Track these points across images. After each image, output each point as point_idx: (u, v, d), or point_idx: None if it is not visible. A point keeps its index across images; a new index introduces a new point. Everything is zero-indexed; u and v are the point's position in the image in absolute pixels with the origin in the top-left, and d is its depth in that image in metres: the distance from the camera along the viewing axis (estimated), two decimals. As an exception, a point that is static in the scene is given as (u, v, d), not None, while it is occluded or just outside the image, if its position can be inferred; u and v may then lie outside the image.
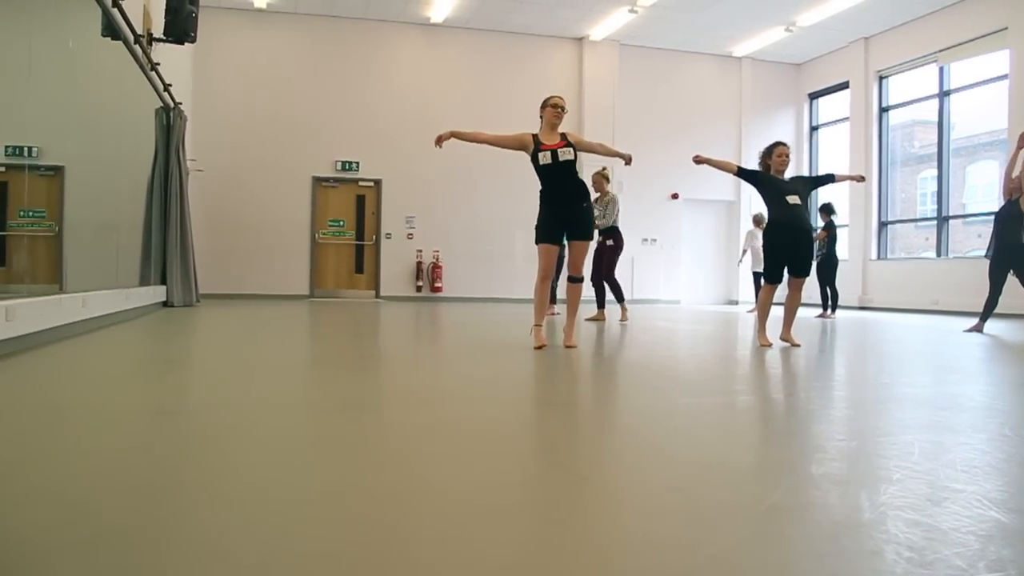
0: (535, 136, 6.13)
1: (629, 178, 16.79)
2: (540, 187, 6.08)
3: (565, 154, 5.96)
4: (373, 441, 2.64)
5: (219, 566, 1.42)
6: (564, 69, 17.09)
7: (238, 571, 1.41)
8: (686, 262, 18.04)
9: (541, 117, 6.24)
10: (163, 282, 10.90)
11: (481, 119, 16.36)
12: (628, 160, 6.45)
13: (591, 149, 6.35)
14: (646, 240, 17.34)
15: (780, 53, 17.75)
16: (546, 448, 2.65)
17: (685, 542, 1.63)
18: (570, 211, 5.99)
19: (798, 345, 6.46)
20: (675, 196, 17.80)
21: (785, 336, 6.61)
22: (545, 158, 5.98)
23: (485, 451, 2.51)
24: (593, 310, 10.18)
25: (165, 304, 10.88)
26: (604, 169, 10.54)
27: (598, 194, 9.99)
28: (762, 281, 6.87)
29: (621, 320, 9.95)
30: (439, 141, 6.27)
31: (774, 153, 6.71)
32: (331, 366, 4.90)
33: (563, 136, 6.09)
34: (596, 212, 9.52)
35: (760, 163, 6.87)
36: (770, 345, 6.42)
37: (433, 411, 3.24)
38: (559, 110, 6.13)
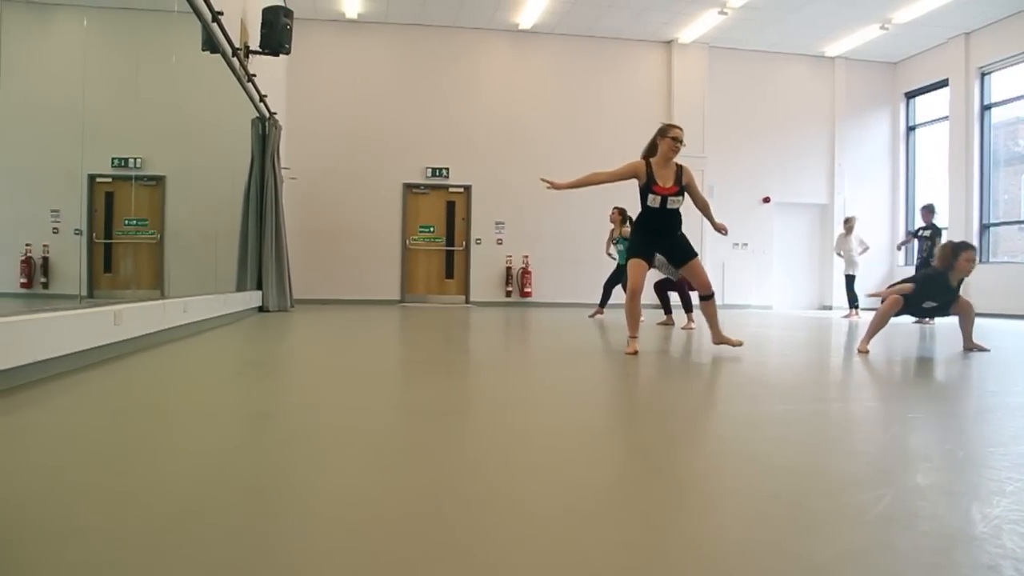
0: (648, 167, 6.05)
1: (720, 182, 16.60)
2: (640, 210, 6.12)
3: (674, 203, 5.99)
4: (467, 445, 2.65)
5: (324, 565, 1.45)
6: (653, 73, 16.95)
7: (342, 571, 1.43)
8: (778, 267, 17.67)
9: (656, 143, 6.10)
10: (259, 288, 11.17)
11: (570, 125, 16.41)
12: (724, 231, 6.49)
13: (695, 200, 6.24)
14: (736, 245, 17.05)
15: (875, 52, 17.25)
16: (641, 453, 2.61)
17: (792, 551, 1.58)
18: (666, 240, 6.11)
19: (865, 352, 6.27)
20: (767, 200, 17.47)
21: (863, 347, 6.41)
22: (654, 201, 5.99)
23: (580, 456, 2.49)
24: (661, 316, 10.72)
25: (261, 309, 11.15)
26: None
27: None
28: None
29: (659, 323, 10.32)
30: (554, 187, 6.59)
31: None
32: (423, 370, 4.94)
33: (678, 173, 6.02)
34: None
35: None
36: (867, 352, 6.24)
37: (525, 416, 3.23)
38: (678, 144, 6.00)
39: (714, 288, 6.27)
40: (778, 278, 17.67)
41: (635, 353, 5.81)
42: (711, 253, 16.02)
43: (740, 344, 6.17)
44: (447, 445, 2.62)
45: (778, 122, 17.45)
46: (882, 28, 15.63)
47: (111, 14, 6.31)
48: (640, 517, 1.84)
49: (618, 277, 11.46)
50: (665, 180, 6.00)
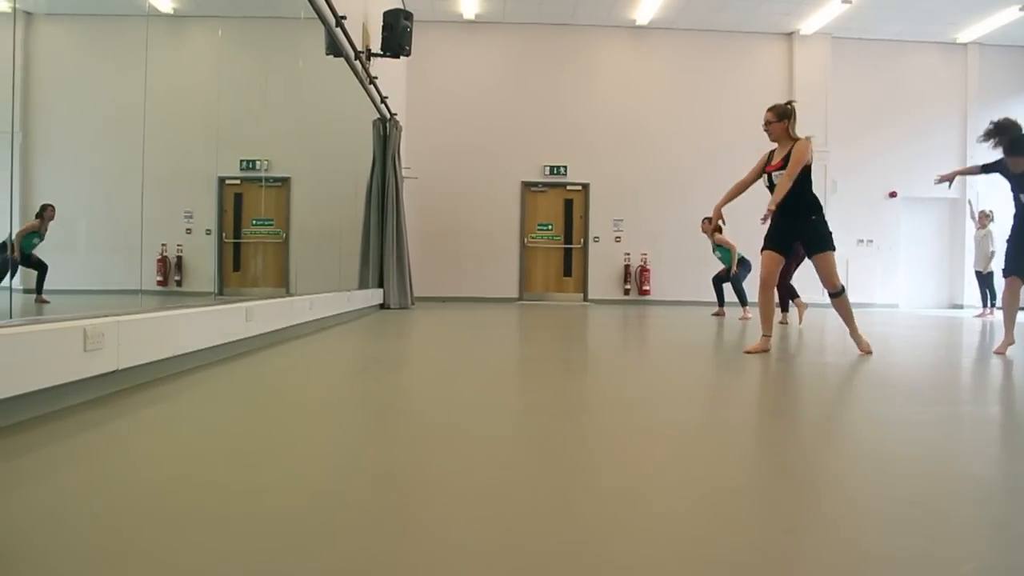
0: (771, 152, 6.07)
1: (844, 177, 16.11)
2: None
3: (779, 177, 5.84)
4: (592, 442, 2.64)
5: (457, 559, 1.48)
6: (773, 66, 16.53)
7: (476, 564, 1.45)
8: (905, 264, 16.98)
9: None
10: (380, 285, 11.42)
11: (688, 121, 16.19)
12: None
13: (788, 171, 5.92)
14: (861, 241, 16.48)
15: (1013, 35, 16.35)
16: (771, 453, 2.54)
17: (938, 560, 1.51)
18: (796, 222, 5.83)
19: (1002, 353, 5.95)
20: (893, 195, 16.83)
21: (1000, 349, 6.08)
22: (764, 180, 5.99)
23: (708, 455, 2.44)
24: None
25: (382, 307, 11.39)
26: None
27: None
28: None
29: (740, 318, 10.61)
30: (713, 222, 6.74)
31: None
32: (543, 368, 4.96)
33: (790, 150, 5.85)
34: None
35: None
36: (1004, 353, 5.94)
37: (649, 413, 3.20)
38: (764, 124, 6.02)
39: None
40: (905, 276, 16.97)
41: (762, 351, 5.70)
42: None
43: (870, 352, 5.82)
44: (571, 442, 2.62)
45: (905, 113, 16.75)
46: (1022, 10, 14.82)
47: (243, 23, 6.57)
48: (773, 519, 1.80)
49: (724, 276, 11.46)
50: (776, 159, 5.92)
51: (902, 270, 16.90)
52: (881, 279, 16.71)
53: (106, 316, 3.21)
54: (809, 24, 15.89)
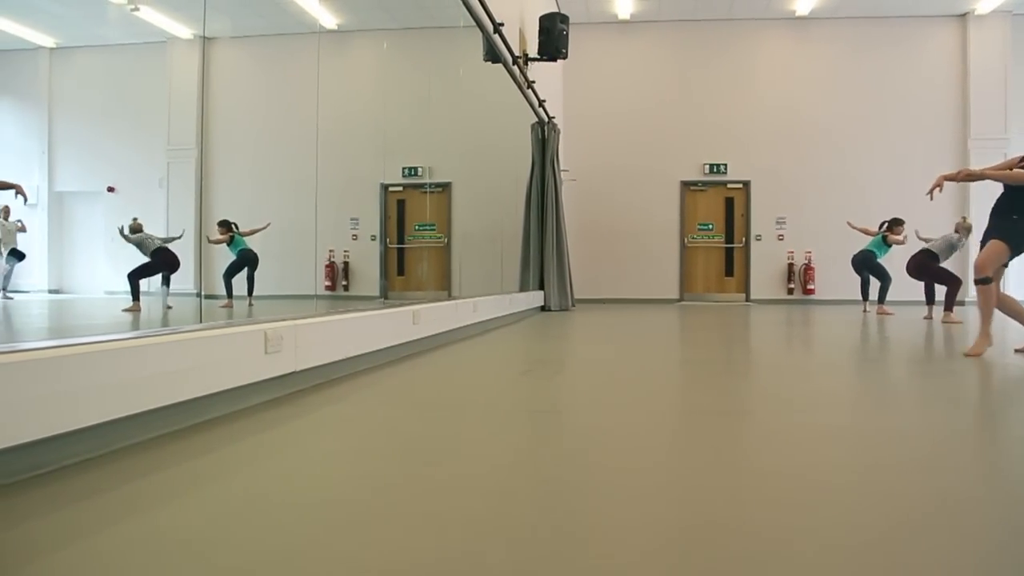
0: None
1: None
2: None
3: None
4: (759, 445, 2.56)
5: (630, 561, 1.47)
6: (944, 51, 15.53)
7: (650, 568, 1.45)
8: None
9: None
10: (541, 288, 11.51)
11: (853, 112, 15.52)
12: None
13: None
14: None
15: None
16: (974, 468, 2.37)
17: None
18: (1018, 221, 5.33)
19: None
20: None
21: None
22: None
23: (895, 465, 2.31)
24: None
25: (543, 309, 11.47)
26: (964, 219, 10.29)
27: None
28: None
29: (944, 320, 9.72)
30: (945, 183, 5.75)
31: None
32: (704, 369, 4.87)
33: None
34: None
35: None
36: None
37: (822, 417, 3.07)
38: None
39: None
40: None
41: (975, 355, 5.22)
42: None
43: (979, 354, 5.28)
44: (737, 445, 2.55)
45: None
46: None
47: (405, 34, 6.78)
48: (979, 535, 1.66)
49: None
50: None
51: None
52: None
53: (284, 320, 3.36)
54: (985, 2, 14.91)
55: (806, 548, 1.53)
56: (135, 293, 7.52)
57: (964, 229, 9.84)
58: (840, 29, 15.67)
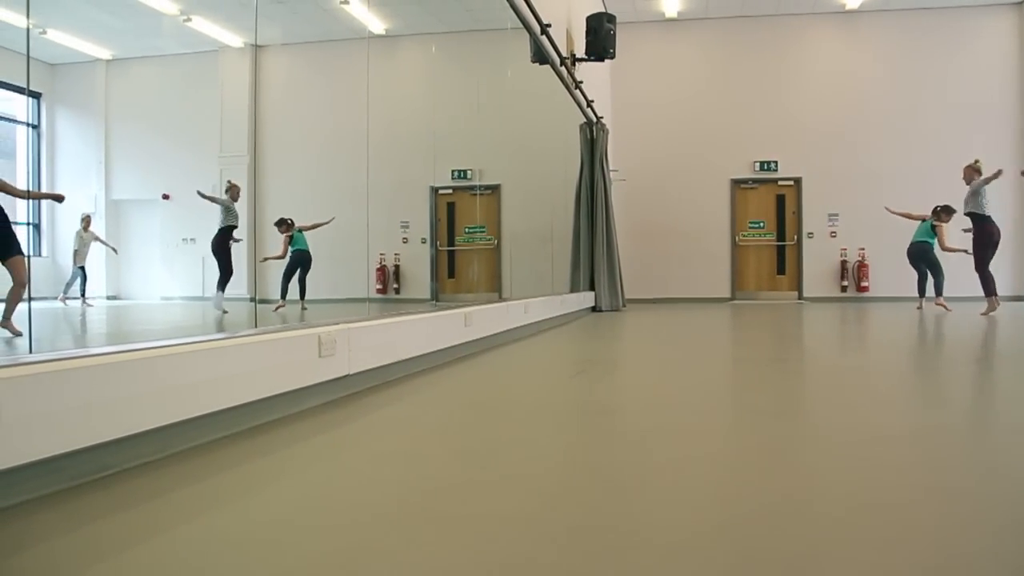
0: None
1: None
2: None
3: None
4: (814, 446, 2.51)
5: (695, 563, 1.46)
6: (1001, 41, 15.10)
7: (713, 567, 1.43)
8: None
9: None
10: (591, 288, 11.47)
11: (906, 106, 15.23)
12: None
13: None
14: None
15: None
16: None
17: None
18: None
19: None
20: None
21: None
22: None
23: (960, 465, 2.25)
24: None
25: (593, 309, 11.44)
26: (976, 162, 9.94)
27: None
28: None
29: (982, 312, 9.62)
30: None
31: None
32: (757, 369, 4.82)
33: None
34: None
35: None
36: None
37: (878, 416, 3.03)
38: None
39: None
40: None
41: None
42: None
43: None
44: (790, 446, 2.52)
45: None
46: None
47: (452, 38, 6.81)
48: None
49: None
50: None
51: None
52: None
53: (337, 324, 3.39)
54: (1046, -12, 14.54)
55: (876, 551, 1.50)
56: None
57: (975, 171, 9.68)
58: (891, 21, 15.40)
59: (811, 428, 2.83)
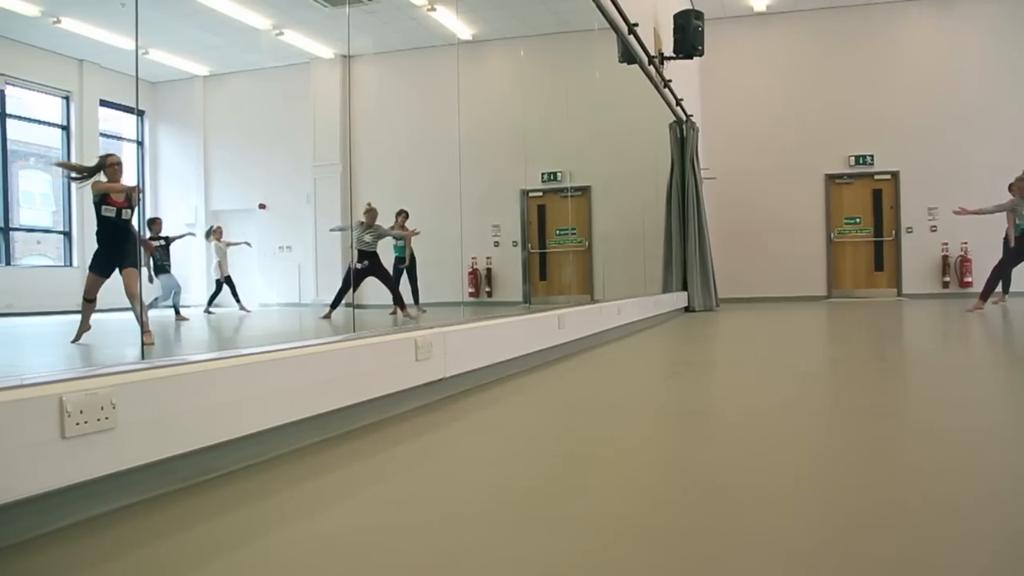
0: None
1: None
2: None
3: None
4: (911, 446, 2.43)
5: (782, 562, 1.41)
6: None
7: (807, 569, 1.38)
8: None
9: None
10: (684, 288, 11.33)
11: (1009, 93, 14.61)
12: None
13: None
14: None
15: None
16: None
17: None
18: None
19: None
20: None
21: None
22: None
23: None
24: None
25: (687, 310, 11.30)
26: None
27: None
28: None
29: (968, 309, 9.65)
30: None
31: None
32: (856, 368, 4.68)
33: None
34: None
35: None
36: None
37: (981, 417, 2.91)
38: None
39: None
40: None
41: None
42: None
43: None
44: (887, 445, 2.43)
45: None
46: None
47: (540, 40, 6.82)
48: None
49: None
50: None
51: None
52: None
53: (432, 328, 3.41)
54: None
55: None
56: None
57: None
58: (990, 6, 14.78)
59: (926, 428, 2.73)
